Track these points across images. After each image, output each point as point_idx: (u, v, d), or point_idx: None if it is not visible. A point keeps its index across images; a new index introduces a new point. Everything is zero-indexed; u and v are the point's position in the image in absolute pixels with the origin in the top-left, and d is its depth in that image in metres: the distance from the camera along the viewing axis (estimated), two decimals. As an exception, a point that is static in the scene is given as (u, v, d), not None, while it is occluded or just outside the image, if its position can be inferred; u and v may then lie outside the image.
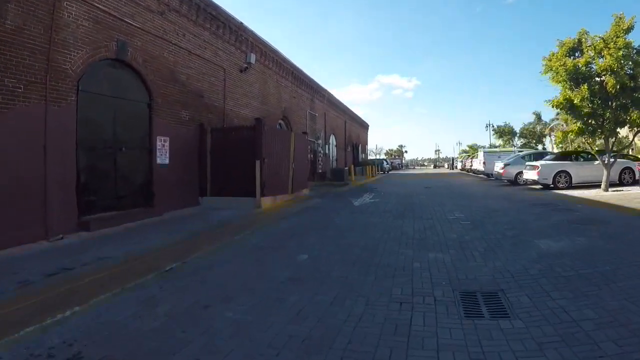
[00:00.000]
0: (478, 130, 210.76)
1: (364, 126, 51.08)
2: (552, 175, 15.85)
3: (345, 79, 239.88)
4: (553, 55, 14.55)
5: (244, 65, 16.80)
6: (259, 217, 10.23)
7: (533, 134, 55.43)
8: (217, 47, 14.76)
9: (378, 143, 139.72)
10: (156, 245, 6.81)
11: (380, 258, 5.84)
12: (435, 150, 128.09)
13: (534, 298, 4.14)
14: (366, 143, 52.69)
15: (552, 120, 62.52)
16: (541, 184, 16.62)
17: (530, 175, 16.78)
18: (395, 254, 6.10)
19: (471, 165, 34.43)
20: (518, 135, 58.46)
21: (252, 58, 17.29)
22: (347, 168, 27.65)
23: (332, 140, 32.36)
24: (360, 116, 49.13)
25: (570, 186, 15.81)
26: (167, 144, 11.38)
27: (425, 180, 28.46)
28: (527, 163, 17.81)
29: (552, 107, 14.56)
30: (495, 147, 52.62)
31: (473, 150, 75.61)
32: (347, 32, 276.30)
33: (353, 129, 41.92)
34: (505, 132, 58.14)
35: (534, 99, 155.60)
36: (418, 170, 64.60)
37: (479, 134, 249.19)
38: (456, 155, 76.10)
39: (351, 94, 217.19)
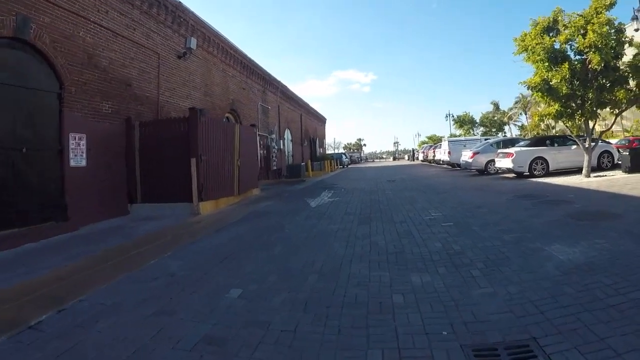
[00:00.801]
0: (437, 122, 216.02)
1: (321, 120, 49.46)
2: (528, 162, 14.77)
3: (301, 74, 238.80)
4: (526, 35, 13.45)
5: (182, 51, 14.68)
6: (193, 229, 8.28)
7: (493, 123, 55.66)
8: (150, 28, 12.73)
9: (336, 137, 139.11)
10: (43, 278, 5.01)
11: (345, 290, 4.14)
12: (394, 143, 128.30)
13: (587, 351, 2.63)
14: (324, 137, 51.12)
15: (510, 109, 63.93)
16: (515, 172, 15.54)
17: (503, 163, 15.62)
18: (366, 280, 4.43)
19: (434, 156, 33.52)
20: (478, 124, 58.58)
21: (193, 43, 15.21)
22: (304, 164, 25.92)
23: (288, 135, 30.50)
24: (318, 110, 47.50)
25: (548, 173, 14.79)
26: (83, 142, 9.34)
27: (388, 173, 27.16)
28: (498, 150, 16.66)
29: (528, 88, 13.45)
30: (457, 136, 52.51)
31: (433, 140, 75.84)
32: (302, 28, 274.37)
33: (310, 123, 40.20)
34: (465, 122, 58.13)
35: (492, 89, 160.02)
36: (378, 163, 63.60)
37: (438, 125, 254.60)
38: (416, 147, 76.01)
39: (308, 89, 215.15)
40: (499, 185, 13.41)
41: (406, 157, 72.81)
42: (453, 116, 59.05)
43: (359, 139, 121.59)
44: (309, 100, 44.20)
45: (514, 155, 14.94)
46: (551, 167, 14.85)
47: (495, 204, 9.21)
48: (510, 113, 63.41)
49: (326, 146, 55.83)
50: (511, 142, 18.56)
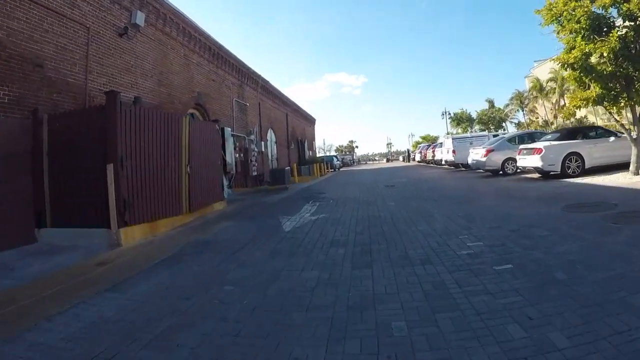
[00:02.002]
0: (430, 121, 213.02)
1: (310, 121, 46.47)
2: (561, 159, 11.88)
3: (292, 78, 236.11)
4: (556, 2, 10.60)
5: (124, 27, 11.69)
6: (89, 277, 5.21)
7: (492, 119, 53.11)
8: (76, -8, 9.78)
9: (328, 140, 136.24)
10: None
11: None
12: (387, 144, 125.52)
13: None
14: (313, 139, 48.06)
15: (506, 105, 61.80)
16: (542, 172, 12.62)
17: (528, 161, 12.68)
18: None
19: (433, 156, 30.60)
20: (476, 121, 56.00)
21: (140, 18, 12.26)
22: (288, 168, 22.90)
23: (271, 136, 27.45)
24: (307, 110, 44.51)
25: (584, 172, 11.89)
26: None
27: (384, 176, 24.21)
28: (521, 147, 13.70)
29: (563, 66, 10.60)
30: (455, 134, 49.89)
31: (427, 140, 73.18)
32: (293, 32, 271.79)
33: (297, 124, 37.20)
34: (463, 119, 55.49)
35: (486, 87, 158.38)
36: (371, 166, 60.53)
37: (432, 125, 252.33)
38: (410, 147, 73.19)
39: (299, 92, 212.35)
40: (530, 189, 10.48)
41: (401, 158, 69.59)
42: (449, 114, 56.25)
43: (351, 141, 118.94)
44: (300, 103, 41.20)
45: (543, 151, 12.01)
46: (587, 164, 11.98)
47: (550, 220, 6.23)
48: (507, 110, 61.35)
49: (316, 149, 52.73)
50: (530, 137, 15.73)
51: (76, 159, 7.76)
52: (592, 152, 12.05)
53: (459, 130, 54.87)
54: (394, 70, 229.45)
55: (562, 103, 52.45)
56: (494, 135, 22.10)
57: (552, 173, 12.38)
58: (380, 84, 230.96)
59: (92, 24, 10.35)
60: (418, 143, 77.73)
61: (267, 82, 25.93)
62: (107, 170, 7.19)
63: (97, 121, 7.68)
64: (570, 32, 10.21)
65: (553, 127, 48.92)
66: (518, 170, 14.97)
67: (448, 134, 50.96)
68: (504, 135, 17.69)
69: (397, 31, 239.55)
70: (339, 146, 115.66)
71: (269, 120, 26.72)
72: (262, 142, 23.15)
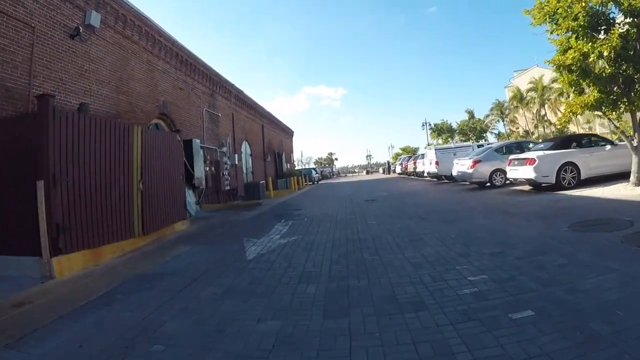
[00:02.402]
0: (410, 133, 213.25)
1: (288, 132, 45.44)
2: (556, 169, 11.08)
3: (271, 91, 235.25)
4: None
5: (76, 28, 10.50)
6: (1, 322, 4.00)
7: (474, 130, 53.03)
8: (19, -12, 8.60)
9: (308, 152, 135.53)
10: None
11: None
12: (367, 156, 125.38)
13: None
14: (291, 151, 46.95)
15: (487, 116, 62.06)
16: (536, 184, 11.82)
17: (521, 172, 11.86)
18: None
19: (414, 168, 29.84)
20: (457, 131, 55.86)
21: (95, 19, 11.12)
22: (263, 182, 21.73)
23: (246, 148, 26.27)
24: (285, 122, 43.47)
25: (579, 183, 11.14)
26: None
27: (365, 189, 23.27)
28: (511, 157, 12.87)
29: (558, 69, 9.86)
30: (437, 145, 49.62)
31: (407, 152, 72.90)
32: (272, 44, 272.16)
33: (274, 136, 36.10)
34: (443, 130, 55.24)
35: (465, 98, 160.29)
36: (351, 178, 59.71)
37: (412, 136, 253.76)
38: (390, 159, 72.72)
39: (278, 105, 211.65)
40: (525, 203, 9.59)
41: (381, 170, 68.83)
42: (430, 125, 55.98)
43: (330, 153, 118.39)
44: (279, 116, 40.21)
45: (537, 161, 11.20)
46: (583, 175, 11.23)
47: (560, 244, 5.25)
48: (487, 120, 61.59)
49: (295, 161, 51.61)
50: (518, 146, 15.00)
51: (2, 174, 6.52)
52: (589, 161, 11.30)
53: (440, 141, 54.64)
54: (373, 83, 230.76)
55: (542, 113, 52.92)
56: (479, 146, 21.43)
57: (544, 185, 11.60)
58: (359, 96, 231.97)
59: (38, 24, 9.12)
60: (398, 155, 77.56)
61: (241, 92, 24.83)
62: (37, 187, 5.96)
63: (28, 130, 6.48)
64: (567, 31, 9.46)
65: (534, 137, 49.22)
66: (507, 182, 14.21)
67: (429, 145, 50.61)
68: (491, 145, 16.92)
69: (375, 44, 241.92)
70: (319, 158, 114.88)
71: (243, 131, 25.55)
72: (236, 155, 21.99)
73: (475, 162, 14.70)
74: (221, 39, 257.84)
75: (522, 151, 14.17)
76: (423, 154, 29.37)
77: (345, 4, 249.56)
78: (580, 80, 9.80)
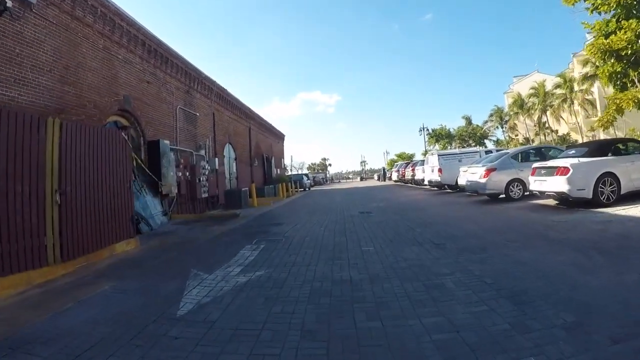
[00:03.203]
0: (405, 139, 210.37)
1: (278, 136, 43.32)
2: (594, 181, 9.07)
3: (267, 96, 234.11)
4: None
5: (4, 2, 8.45)
6: None
7: (473, 135, 51.23)
8: None
9: (302, 158, 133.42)
10: None
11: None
12: (361, 162, 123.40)
13: None
14: (282, 156, 44.74)
15: (485, 122, 60.49)
16: (567, 199, 9.78)
17: (549, 184, 9.80)
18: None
19: (413, 175, 27.82)
20: (456, 137, 54.02)
21: (31, -7, 8.99)
22: (246, 189, 19.65)
23: (229, 151, 24.12)
24: (281, 130, 41.45)
25: (620, 198, 9.17)
26: None
27: (359, 197, 21.19)
28: (535, 165, 10.79)
29: (601, 54, 7.83)
30: (439, 150, 47.75)
31: (402, 158, 70.98)
32: (268, 50, 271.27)
33: (262, 139, 33.98)
34: (442, 136, 53.31)
35: (461, 105, 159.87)
36: (344, 184, 57.54)
37: (407, 143, 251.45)
38: (385, 165, 70.69)
39: (273, 111, 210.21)
40: (563, 225, 7.49)
41: (375, 176, 66.43)
42: (428, 130, 53.98)
43: (324, 159, 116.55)
44: (274, 121, 38.18)
45: (571, 171, 9.18)
46: (623, 189, 9.25)
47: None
48: (485, 127, 59.99)
49: (286, 166, 49.32)
50: (538, 153, 12.97)
51: None
52: (630, 172, 9.30)
53: (438, 147, 52.72)
54: (368, 89, 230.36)
55: (544, 119, 51.26)
56: (487, 152, 19.47)
57: (571, 199, 9.59)
58: (354, 103, 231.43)
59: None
60: (393, 161, 75.67)
61: (223, 90, 22.71)
62: None
63: None
64: (617, 6, 7.49)
65: (534, 144, 47.55)
66: (525, 194, 12.22)
67: (428, 150, 48.64)
68: (506, 152, 14.85)
69: (370, 51, 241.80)
70: (312, 164, 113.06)
71: (226, 133, 23.39)
72: (217, 159, 19.88)
73: (490, 171, 12.65)
74: (217, 44, 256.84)
75: (543, 158, 12.16)
76: (422, 160, 27.40)
77: (339, 12, 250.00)
78: (630, 71, 7.83)
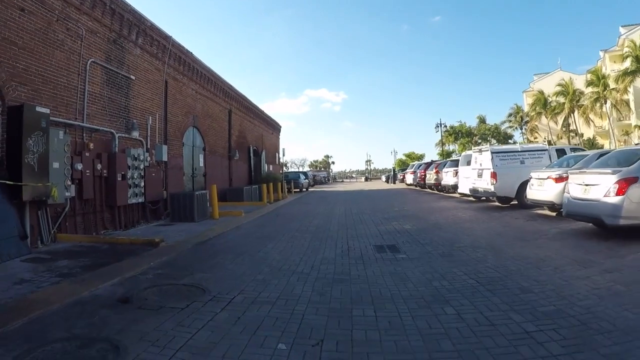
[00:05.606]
0: (414, 140, 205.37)
1: (273, 126, 37.37)
2: None
3: (274, 92, 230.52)
4: None
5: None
6: None
7: (497, 134, 45.51)
8: None
9: (304, 155, 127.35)
10: None
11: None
12: (366, 161, 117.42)
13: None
14: (277, 150, 38.59)
15: (502, 122, 55.00)
16: None
17: None
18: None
19: (437, 179, 21.94)
20: (478, 136, 48.12)
21: None
22: (203, 192, 13.77)
23: (194, 139, 18.05)
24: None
25: None
26: None
27: (366, 205, 15.37)
28: None
29: None
30: (449, 153, 41.91)
31: (412, 158, 65.12)
32: (276, 46, 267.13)
33: (249, 127, 28.02)
34: (462, 134, 47.27)
35: (474, 104, 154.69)
36: (348, 185, 51.33)
37: (416, 143, 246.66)
38: (393, 165, 64.48)
39: (280, 107, 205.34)
40: None
41: (383, 178, 59.34)
42: (445, 126, 47.50)
43: (327, 156, 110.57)
44: (280, 119, 32.33)
45: None
46: None
47: None
48: (503, 128, 54.53)
49: (285, 163, 43.05)
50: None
51: None
52: None
53: (456, 148, 46.78)
54: (375, 88, 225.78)
55: (570, 121, 45.71)
56: (558, 150, 13.60)
57: None
58: (361, 101, 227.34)
59: None
60: (402, 161, 69.77)
61: (186, 53, 16.68)
62: None
63: None
64: None
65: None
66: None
67: (444, 150, 42.57)
68: (630, 148, 8.67)
69: (378, 50, 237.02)
70: (314, 161, 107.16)
71: (189, 113, 17.31)
72: (165, 147, 13.94)
73: (627, 183, 6.73)
74: (226, 39, 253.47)
75: None
76: (452, 160, 21.45)
77: (347, 11, 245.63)
78: None
